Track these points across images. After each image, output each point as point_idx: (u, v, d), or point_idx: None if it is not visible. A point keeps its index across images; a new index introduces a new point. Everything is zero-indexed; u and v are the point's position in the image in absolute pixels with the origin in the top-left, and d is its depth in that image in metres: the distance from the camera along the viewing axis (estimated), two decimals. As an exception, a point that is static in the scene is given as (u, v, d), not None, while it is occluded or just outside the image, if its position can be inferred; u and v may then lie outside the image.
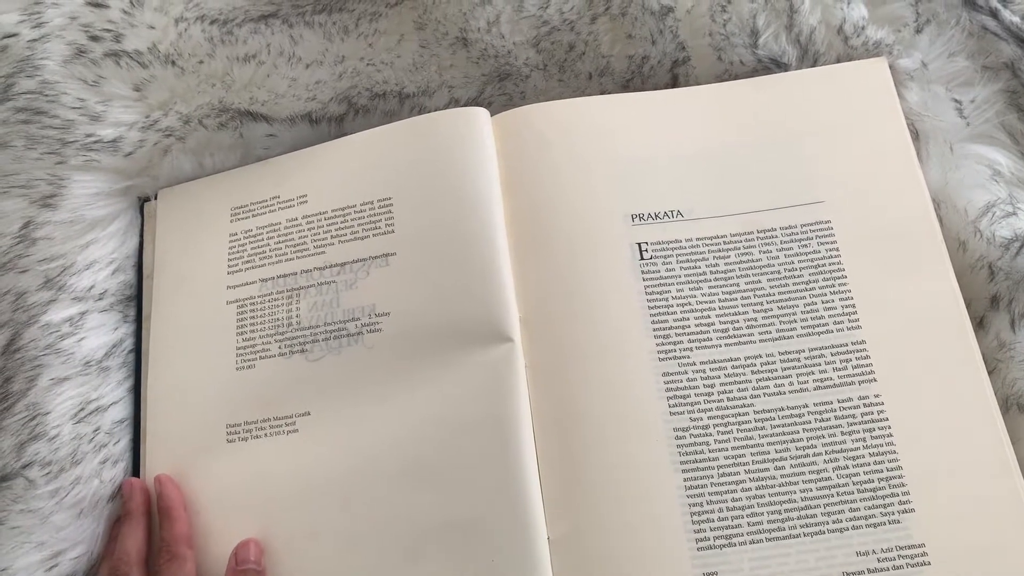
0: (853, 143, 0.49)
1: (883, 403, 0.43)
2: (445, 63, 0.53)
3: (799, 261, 0.46)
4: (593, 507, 0.42)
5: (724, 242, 0.47)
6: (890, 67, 0.51)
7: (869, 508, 0.41)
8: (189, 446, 0.47)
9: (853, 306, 0.45)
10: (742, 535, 0.41)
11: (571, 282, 0.47)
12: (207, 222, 0.52)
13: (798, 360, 0.44)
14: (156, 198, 0.53)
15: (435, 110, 0.53)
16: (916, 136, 0.49)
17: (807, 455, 0.42)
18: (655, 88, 0.53)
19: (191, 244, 0.52)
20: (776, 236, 0.47)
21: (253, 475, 0.46)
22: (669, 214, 0.48)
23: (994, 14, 0.51)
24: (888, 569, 0.40)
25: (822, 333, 0.45)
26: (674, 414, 0.43)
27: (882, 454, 0.42)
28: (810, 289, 0.46)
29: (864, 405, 0.43)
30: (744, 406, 0.43)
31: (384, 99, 0.53)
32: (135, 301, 0.51)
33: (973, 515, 0.41)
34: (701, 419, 0.43)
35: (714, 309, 0.45)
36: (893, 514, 0.41)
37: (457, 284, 0.46)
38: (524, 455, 0.43)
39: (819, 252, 0.46)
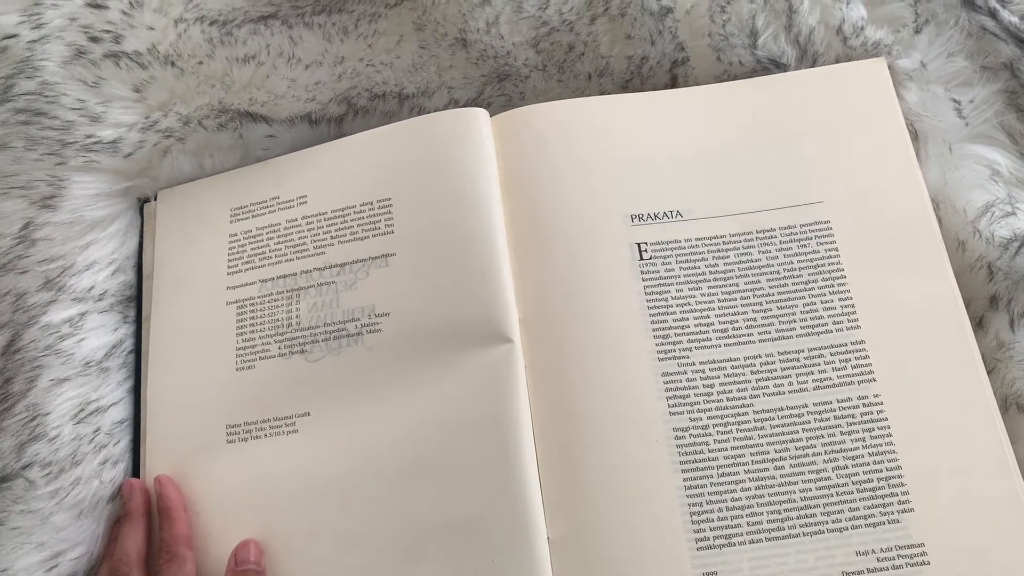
0: (852, 143, 0.49)
1: (882, 403, 0.43)
2: (444, 64, 0.53)
3: (798, 261, 0.46)
4: (593, 507, 0.42)
5: (723, 242, 0.47)
6: (889, 67, 0.51)
7: (868, 508, 0.41)
8: (189, 447, 0.47)
9: (852, 306, 0.45)
10: (742, 535, 0.41)
11: (570, 282, 0.47)
12: (207, 223, 0.52)
13: (797, 360, 0.44)
14: (156, 199, 0.53)
15: (434, 111, 0.53)
16: (915, 136, 0.50)
17: (806, 455, 0.42)
18: (654, 89, 0.53)
19: (191, 245, 0.52)
20: (775, 236, 0.47)
21: (253, 476, 0.46)
22: (668, 214, 0.48)
23: (993, 14, 0.51)
24: (887, 569, 0.40)
25: (821, 333, 0.45)
26: (673, 414, 0.43)
27: (881, 454, 0.42)
28: (809, 289, 0.46)
29: (863, 405, 0.43)
30: (743, 406, 0.43)
31: (383, 100, 0.53)
32: (135, 302, 0.51)
33: (972, 515, 0.41)
34: (700, 419, 0.43)
35: (713, 309, 0.46)
36: (892, 514, 0.41)
37: (457, 285, 0.47)
38: (524, 455, 0.43)
39: (818, 252, 0.46)
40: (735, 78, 0.52)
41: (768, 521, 0.41)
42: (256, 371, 0.48)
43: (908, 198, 0.48)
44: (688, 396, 0.44)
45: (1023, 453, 0.43)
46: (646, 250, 0.47)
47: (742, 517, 0.42)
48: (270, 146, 0.54)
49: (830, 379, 0.44)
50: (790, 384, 0.44)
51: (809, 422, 0.43)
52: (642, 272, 0.46)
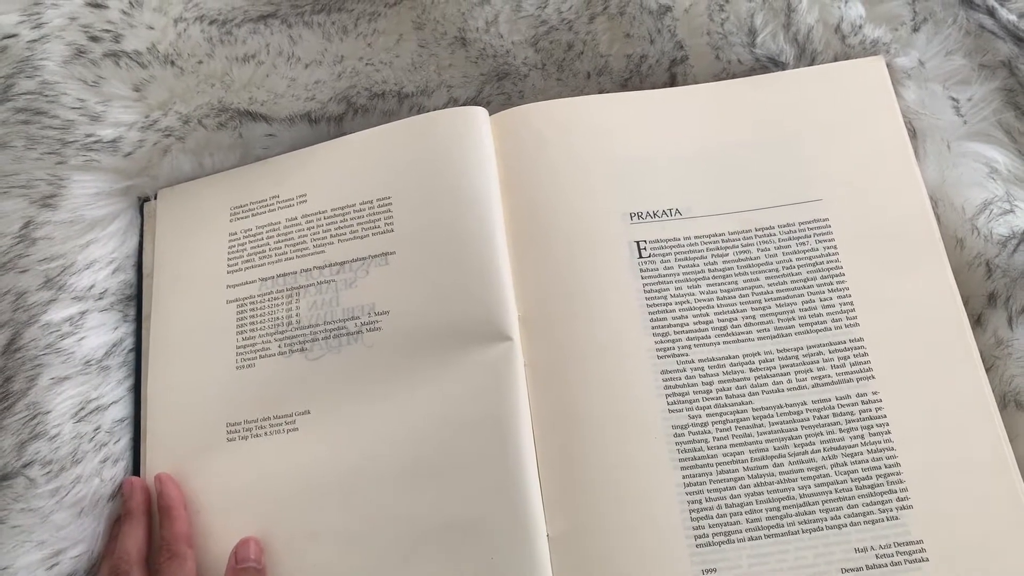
0: (851, 141, 0.49)
1: (881, 400, 0.43)
2: (444, 63, 0.53)
3: (797, 259, 0.46)
4: (592, 505, 0.42)
5: (722, 240, 0.47)
6: (887, 65, 0.51)
7: (867, 505, 0.41)
8: (189, 445, 0.47)
9: (851, 304, 0.45)
10: (741, 532, 0.41)
11: (570, 281, 0.47)
12: (207, 222, 0.52)
13: (796, 357, 0.44)
14: (156, 198, 0.53)
15: (434, 109, 0.53)
16: (913, 134, 0.50)
17: (805, 452, 0.43)
18: (653, 87, 0.53)
19: (191, 244, 0.52)
20: (774, 234, 0.47)
21: (253, 474, 0.46)
22: (667, 212, 0.48)
23: (991, 12, 0.51)
24: (886, 565, 0.40)
25: (820, 331, 0.45)
26: (673, 412, 0.44)
27: (880, 451, 0.42)
28: (808, 287, 0.46)
29: (862, 402, 0.43)
30: (742, 403, 0.44)
31: (383, 99, 0.53)
32: (135, 300, 0.52)
33: (971, 512, 0.41)
34: (700, 416, 0.43)
35: (712, 307, 0.46)
36: (891, 511, 0.41)
37: (456, 283, 0.47)
38: (523, 453, 0.43)
39: (817, 250, 0.47)
40: (734, 76, 0.52)
41: (767, 518, 0.41)
42: (256, 369, 0.48)
43: (906, 196, 0.48)
44: (687, 393, 0.44)
45: (1021, 450, 0.43)
46: (645, 248, 0.47)
47: (741, 514, 0.42)
48: (270, 145, 0.54)
49: (829, 376, 0.44)
50: (789, 381, 0.44)
51: (808, 419, 0.43)
52: (641, 270, 0.46)
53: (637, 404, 0.44)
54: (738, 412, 0.43)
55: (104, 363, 0.48)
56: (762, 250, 0.47)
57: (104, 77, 0.51)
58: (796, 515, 0.41)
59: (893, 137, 0.49)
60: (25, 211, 0.49)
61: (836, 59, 0.52)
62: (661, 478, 0.42)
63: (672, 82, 0.53)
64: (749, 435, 0.43)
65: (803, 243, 0.47)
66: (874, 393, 0.43)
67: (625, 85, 0.54)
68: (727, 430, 0.43)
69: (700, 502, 0.42)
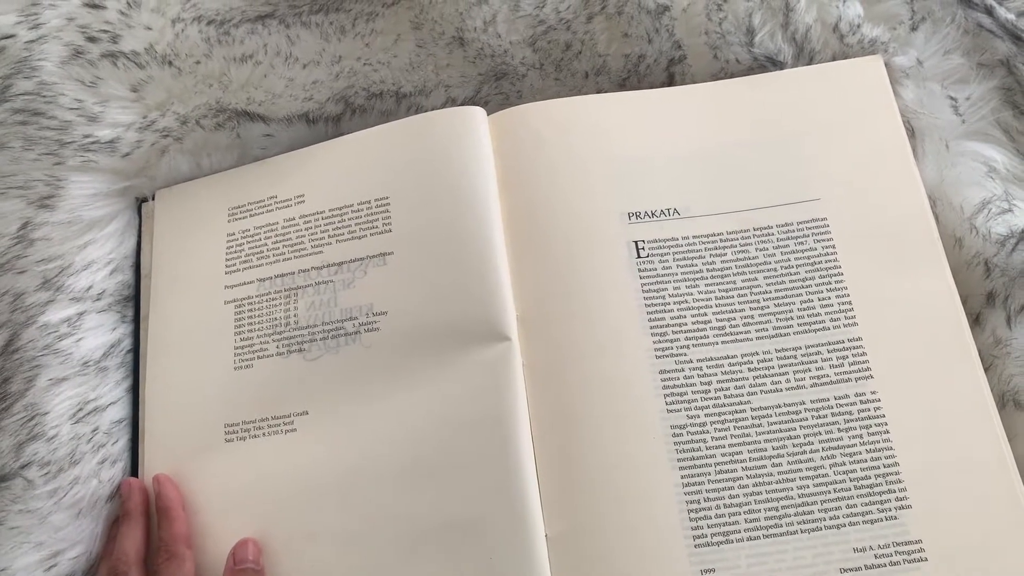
0: (849, 141, 0.49)
1: (880, 400, 0.43)
2: (442, 62, 0.53)
3: (795, 258, 0.46)
4: (591, 505, 0.42)
5: (721, 240, 0.47)
6: (886, 65, 0.51)
7: (866, 504, 0.41)
8: (187, 446, 0.47)
9: (849, 303, 0.45)
10: (739, 532, 0.41)
11: (568, 281, 0.47)
12: (205, 222, 0.52)
13: (795, 357, 0.44)
14: (154, 198, 0.53)
15: (432, 109, 0.53)
16: (912, 133, 0.50)
17: (804, 452, 0.43)
18: (651, 87, 0.53)
19: (189, 244, 0.52)
20: (772, 233, 0.47)
21: (251, 475, 0.46)
22: (666, 212, 0.48)
23: (989, 11, 0.51)
24: (885, 565, 0.40)
25: (819, 330, 0.45)
26: (671, 411, 0.43)
27: (879, 451, 0.42)
28: (806, 286, 0.46)
29: (861, 402, 0.43)
30: (741, 403, 0.44)
31: (381, 99, 0.53)
32: (133, 301, 0.51)
33: (970, 511, 0.41)
34: (698, 416, 0.43)
35: (711, 306, 0.46)
36: (890, 510, 0.41)
37: (454, 283, 0.47)
38: (522, 453, 0.43)
39: (815, 249, 0.46)
40: (732, 76, 0.52)
41: (766, 518, 0.41)
42: (254, 370, 0.48)
43: (905, 195, 0.48)
44: (686, 393, 0.44)
45: (1020, 450, 0.43)
46: (643, 248, 0.47)
47: (740, 514, 0.42)
48: (268, 145, 0.54)
49: (827, 376, 0.44)
50: (787, 381, 0.44)
51: (806, 419, 0.43)
52: (639, 270, 0.46)
53: (635, 404, 0.44)
54: (736, 412, 0.43)
55: (102, 364, 0.48)
56: (760, 250, 0.47)
57: (102, 78, 0.51)
58: (795, 515, 0.41)
59: (891, 136, 0.49)
60: (23, 212, 0.49)
61: (834, 58, 0.52)
62: (659, 478, 0.42)
63: (670, 82, 0.53)
64: (747, 435, 0.43)
65: (801, 243, 0.47)
66: (873, 393, 0.43)
67: (623, 85, 0.54)
68: (725, 430, 0.43)
69: (699, 502, 0.42)
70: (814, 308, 0.45)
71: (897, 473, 0.42)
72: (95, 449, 0.46)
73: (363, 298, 0.48)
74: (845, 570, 0.40)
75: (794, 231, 0.47)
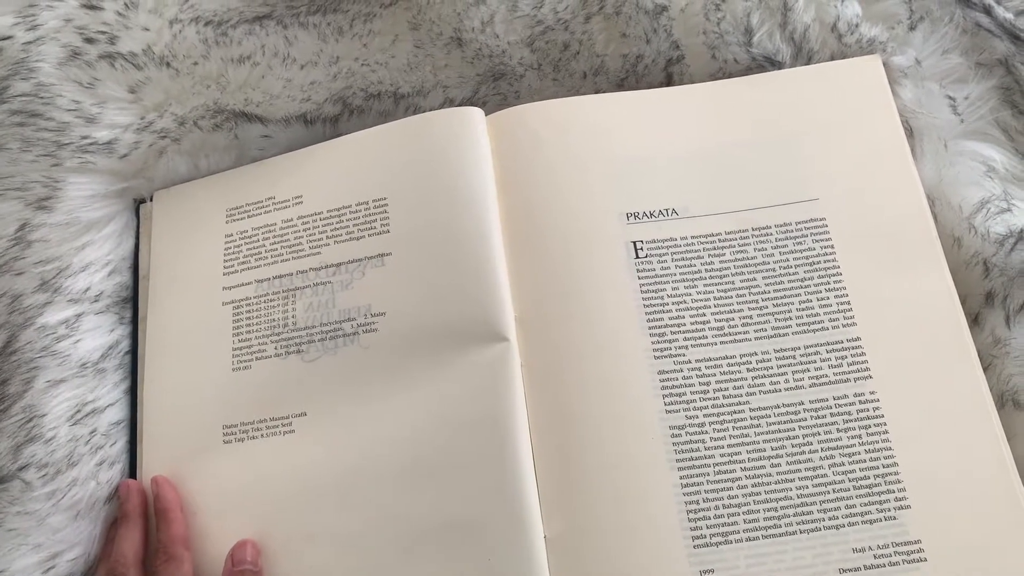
0: (847, 140, 0.49)
1: (879, 400, 0.43)
2: (440, 63, 0.53)
3: (794, 258, 0.46)
4: (589, 506, 0.42)
5: (719, 240, 0.47)
6: (884, 64, 0.51)
7: (865, 505, 0.41)
8: (186, 447, 0.47)
9: (848, 303, 0.45)
10: (738, 532, 0.41)
11: (566, 281, 0.47)
12: (203, 223, 0.52)
13: (793, 357, 0.44)
14: (152, 200, 0.53)
15: (430, 110, 0.53)
16: (910, 133, 0.50)
17: (803, 452, 0.42)
18: (649, 87, 0.53)
19: (187, 245, 0.52)
20: (771, 234, 0.47)
21: (250, 476, 0.46)
22: (664, 212, 0.48)
23: (987, 11, 0.51)
24: (884, 566, 0.40)
25: (817, 330, 0.45)
26: (670, 412, 0.43)
27: (878, 451, 0.42)
28: (805, 286, 0.46)
29: (860, 402, 0.43)
30: (740, 403, 0.43)
31: (379, 99, 0.53)
32: (131, 303, 0.51)
33: (969, 511, 0.41)
34: (697, 417, 0.43)
35: (709, 307, 0.46)
36: (889, 511, 0.41)
37: (452, 284, 0.47)
38: (520, 454, 0.43)
39: (814, 249, 0.46)
40: (730, 76, 0.52)
41: (765, 518, 0.41)
42: (252, 371, 0.48)
43: (904, 195, 0.48)
44: (684, 394, 0.44)
45: (1020, 449, 0.43)
46: (642, 248, 0.47)
47: (739, 514, 0.41)
48: (265, 146, 0.54)
49: (826, 376, 0.44)
50: (786, 381, 0.44)
51: (805, 419, 0.43)
52: (638, 270, 0.46)
53: (634, 404, 0.44)
54: (735, 412, 0.43)
55: (100, 365, 0.48)
56: (759, 250, 0.47)
57: (99, 79, 0.51)
58: (794, 515, 0.41)
59: (890, 136, 0.49)
60: (20, 213, 0.49)
61: (833, 58, 0.52)
62: (658, 478, 0.42)
63: (668, 82, 0.53)
64: (746, 435, 0.43)
65: (800, 243, 0.47)
66: (871, 393, 0.43)
67: (621, 85, 0.54)
68: (724, 430, 0.43)
69: (697, 502, 0.42)
70: (813, 308, 0.45)
71: (896, 473, 0.42)
72: (93, 451, 0.46)
73: (361, 299, 0.48)
74: (844, 570, 0.40)
75: (793, 231, 0.47)
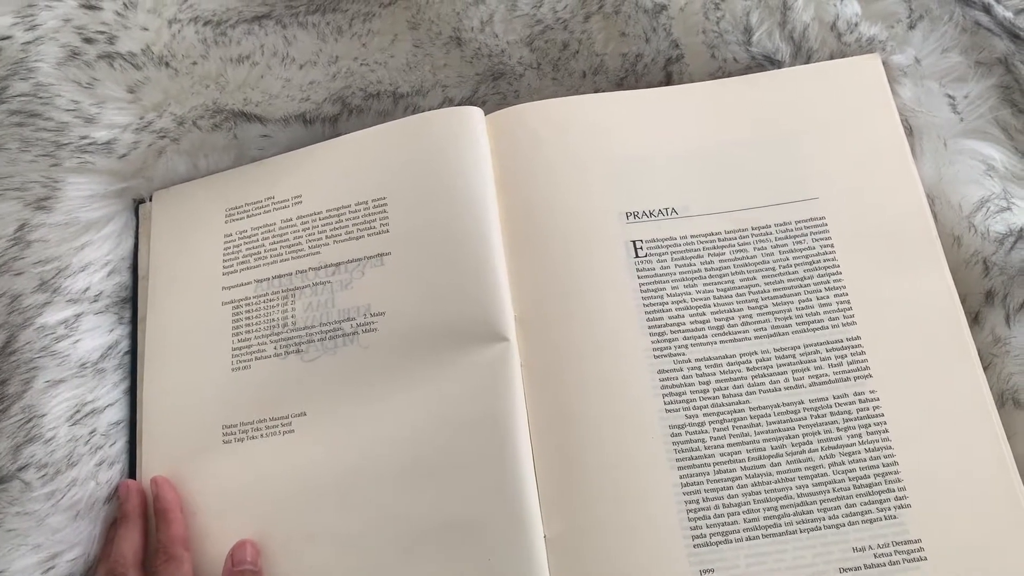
0: (847, 139, 0.49)
1: (879, 399, 0.43)
2: (439, 62, 0.53)
3: (794, 258, 0.46)
4: (589, 505, 0.42)
5: (719, 239, 0.47)
6: (883, 63, 0.51)
7: (865, 504, 0.41)
8: (185, 447, 0.47)
9: (848, 302, 0.45)
10: (738, 531, 0.41)
11: (566, 281, 0.47)
12: (202, 223, 0.52)
13: (793, 356, 0.44)
14: (151, 200, 0.53)
15: (429, 109, 0.53)
16: (910, 132, 0.49)
17: (803, 451, 0.42)
18: (649, 86, 0.53)
19: (186, 245, 0.52)
20: (771, 233, 0.47)
21: (250, 476, 0.46)
22: (663, 212, 0.48)
23: (987, 9, 0.51)
24: (884, 565, 0.40)
25: (817, 329, 0.45)
26: (669, 411, 0.43)
27: (878, 450, 0.42)
28: (805, 285, 0.46)
29: (860, 401, 0.43)
30: (739, 403, 0.43)
31: (378, 99, 0.53)
32: (131, 303, 0.51)
33: (969, 510, 0.41)
34: (696, 416, 0.43)
35: (709, 306, 0.45)
36: (889, 510, 0.41)
37: (452, 283, 0.46)
38: (520, 454, 0.43)
39: (814, 248, 0.46)
40: (729, 75, 0.52)
41: (765, 518, 0.41)
42: (252, 371, 0.48)
43: (903, 194, 0.48)
44: (684, 393, 0.44)
45: (1020, 449, 0.43)
46: (641, 248, 0.47)
47: (739, 514, 0.41)
48: (265, 146, 0.54)
49: (826, 375, 0.44)
50: (786, 381, 0.44)
51: (805, 419, 0.43)
52: (637, 270, 0.46)
53: (634, 404, 0.44)
54: (735, 411, 0.43)
55: (99, 366, 0.48)
56: (759, 249, 0.47)
57: (98, 79, 0.51)
58: (794, 515, 0.41)
59: (890, 135, 0.49)
60: (20, 213, 0.49)
61: (832, 57, 0.52)
62: (658, 478, 0.42)
63: (668, 81, 0.53)
64: (746, 434, 0.43)
65: (800, 242, 0.47)
66: (871, 392, 0.43)
67: (621, 84, 0.54)
68: (724, 430, 0.43)
69: (697, 502, 0.42)
70: (812, 307, 0.45)
71: (896, 472, 0.42)
72: (93, 451, 0.46)
73: (361, 299, 0.48)
74: (844, 570, 0.40)
75: (792, 230, 0.47)
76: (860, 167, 0.48)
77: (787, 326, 0.45)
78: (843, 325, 0.45)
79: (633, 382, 0.44)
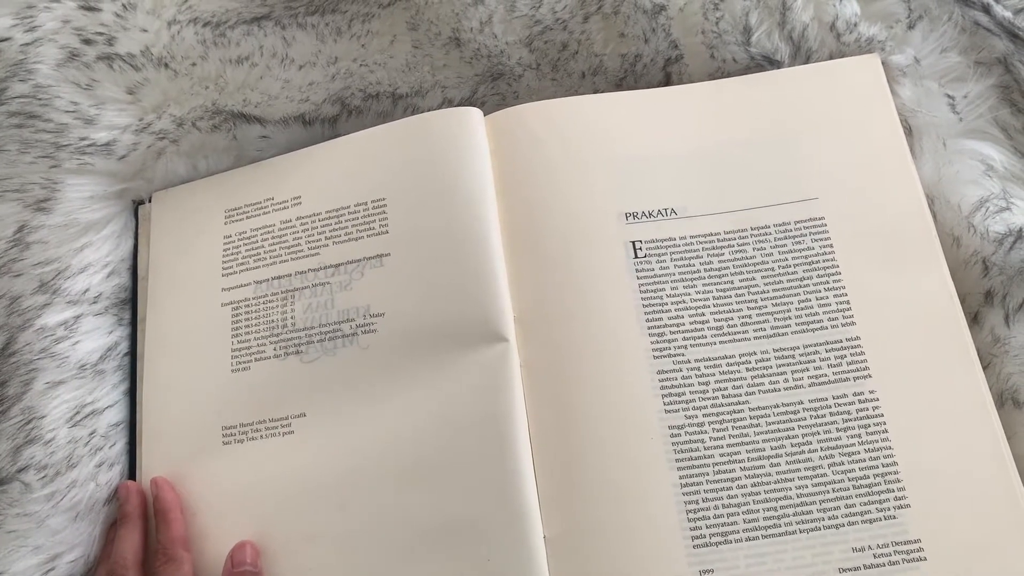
0: (846, 140, 0.49)
1: (878, 399, 0.43)
2: (438, 63, 0.53)
3: (793, 258, 0.46)
4: (589, 505, 0.42)
5: (718, 239, 0.47)
6: (883, 63, 0.51)
7: (864, 504, 0.41)
8: (185, 448, 0.47)
9: (847, 302, 0.45)
10: (738, 532, 0.41)
11: (565, 281, 0.47)
12: (201, 224, 0.52)
13: (792, 357, 0.44)
14: (150, 201, 0.53)
15: (428, 110, 0.53)
16: (909, 132, 0.49)
17: (802, 451, 0.42)
18: (648, 86, 0.53)
19: (186, 246, 0.52)
20: (770, 233, 0.47)
21: (249, 477, 0.46)
22: (663, 212, 0.48)
23: (986, 9, 0.51)
24: (884, 565, 0.40)
25: (816, 330, 0.45)
26: (669, 412, 0.43)
27: (877, 450, 0.42)
28: (804, 286, 0.46)
29: (859, 401, 0.43)
30: (739, 403, 0.43)
31: (377, 100, 0.53)
32: (130, 304, 0.51)
33: (968, 510, 0.41)
34: (696, 416, 0.43)
35: (708, 306, 0.45)
36: (888, 510, 0.41)
37: (451, 284, 0.47)
38: (520, 454, 0.43)
39: (813, 248, 0.46)
40: (728, 75, 0.52)
41: (764, 518, 0.41)
42: (251, 372, 0.48)
43: (902, 194, 0.48)
44: (683, 393, 0.44)
45: (1019, 448, 0.43)
46: (641, 248, 0.47)
47: (738, 514, 0.41)
48: (264, 147, 0.54)
49: (825, 376, 0.44)
50: (785, 381, 0.44)
51: (805, 419, 0.43)
52: (637, 270, 0.46)
53: (633, 404, 0.44)
54: (735, 412, 0.43)
55: (99, 367, 0.48)
56: (758, 249, 0.47)
57: (97, 80, 0.51)
58: (793, 515, 0.41)
59: (889, 135, 0.49)
60: (19, 215, 0.49)
61: (831, 57, 0.52)
62: (658, 478, 0.42)
63: (667, 81, 0.53)
64: (746, 435, 0.43)
65: (799, 242, 0.47)
66: (871, 392, 0.43)
67: (620, 85, 0.54)
68: (724, 430, 0.43)
69: (697, 502, 0.42)
70: (812, 307, 0.45)
71: (896, 472, 0.42)
72: (93, 452, 0.46)
73: (360, 300, 0.48)
74: (844, 570, 0.40)
75: (792, 230, 0.47)
76: (859, 167, 0.48)
77: (786, 326, 0.45)
78: (842, 325, 0.45)
79: (633, 382, 0.44)
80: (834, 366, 0.44)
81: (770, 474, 0.42)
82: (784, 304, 0.45)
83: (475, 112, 0.51)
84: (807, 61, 0.52)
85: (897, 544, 0.41)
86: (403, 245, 0.48)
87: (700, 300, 0.46)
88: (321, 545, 0.44)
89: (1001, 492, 0.41)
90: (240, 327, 0.49)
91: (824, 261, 0.46)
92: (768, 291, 0.46)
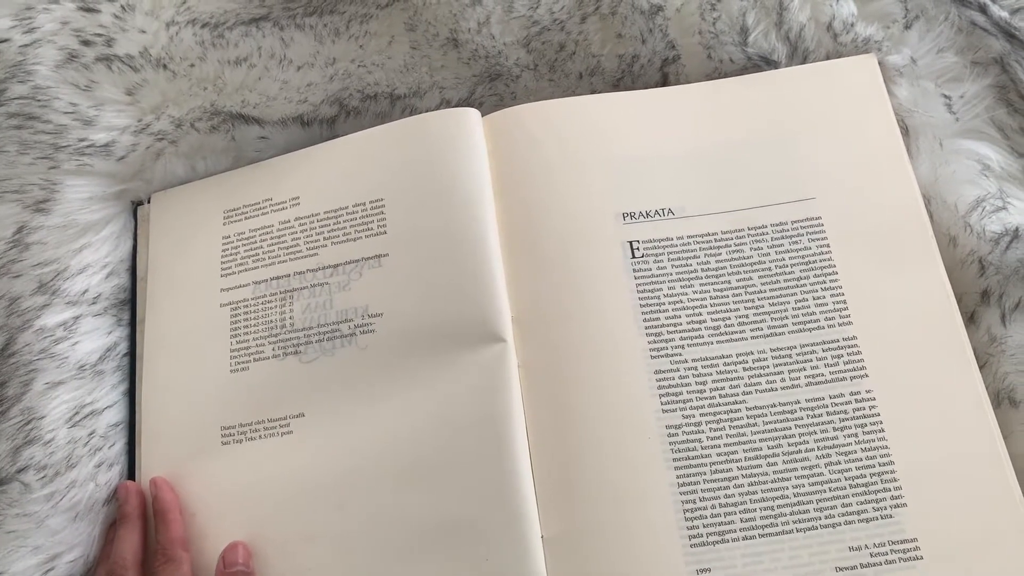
0: (843, 140, 0.49)
1: (875, 398, 0.43)
2: (436, 64, 0.53)
3: (790, 258, 0.46)
4: (587, 505, 0.42)
5: (715, 239, 0.47)
6: (879, 63, 0.51)
7: (861, 503, 0.41)
8: (184, 449, 0.47)
9: (844, 302, 0.45)
10: (735, 531, 0.41)
11: (563, 281, 0.47)
12: (200, 225, 0.52)
13: (789, 356, 0.44)
14: (149, 202, 0.54)
15: (426, 111, 0.53)
16: (906, 132, 0.50)
17: (799, 451, 0.43)
18: (645, 87, 0.53)
19: (184, 247, 0.52)
20: (767, 233, 0.47)
21: (248, 477, 0.46)
22: (660, 212, 0.48)
23: (983, 9, 0.51)
24: (881, 564, 0.40)
25: (813, 329, 0.45)
26: (666, 411, 0.44)
27: (874, 449, 0.42)
28: (801, 285, 0.46)
29: (856, 401, 0.43)
30: (736, 403, 0.44)
31: (375, 100, 0.53)
32: (129, 305, 0.52)
33: (965, 509, 0.41)
34: (693, 416, 0.43)
35: (705, 306, 0.46)
36: (885, 509, 0.41)
37: (449, 284, 0.47)
38: (517, 454, 0.43)
39: (810, 248, 0.47)
40: (725, 76, 0.52)
41: (761, 517, 0.41)
42: (250, 373, 0.48)
43: (899, 194, 0.48)
44: (681, 393, 0.44)
45: (1015, 447, 0.43)
46: (638, 248, 0.47)
47: (735, 513, 0.42)
48: (262, 148, 0.54)
49: (822, 375, 0.44)
50: (782, 380, 0.44)
51: (802, 418, 0.43)
52: (634, 270, 0.46)
53: (631, 404, 0.44)
54: (732, 411, 0.43)
55: (98, 368, 0.48)
56: (755, 249, 0.47)
57: (96, 81, 0.51)
58: (790, 514, 0.41)
59: (886, 135, 0.49)
60: (18, 216, 0.49)
61: (828, 57, 0.52)
62: (655, 478, 0.42)
63: (664, 82, 0.53)
64: (743, 434, 0.43)
65: (796, 242, 0.47)
66: (868, 391, 0.43)
67: (617, 85, 0.54)
68: (721, 429, 0.43)
69: (694, 502, 0.42)
70: (809, 307, 0.45)
71: (892, 471, 0.42)
72: (92, 452, 0.46)
73: (359, 300, 0.48)
74: (841, 569, 0.40)
75: (788, 230, 0.47)
76: (856, 167, 0.48)
77: (783, 326, 0.45)
78: (839, 325, 0.45)
79: (630, 382, 0.44)
80: (831, 365, 0.44)
81: (767, 473, 0.42)
82: (781, 304, 0.46)
83: (473, 113, 0.51)
84: (804, 61, 0.52)
85: (894, 543, 0.41)
86: (401, 245, 0.48)
87: (697, 300, 0.46)
88: (320, 545, 0.44)
89: (997, 491, 0.41)
90: (239, 327, 0.49)
91: (821, 261, 0.46)
92: (765, 291, 0.46)
